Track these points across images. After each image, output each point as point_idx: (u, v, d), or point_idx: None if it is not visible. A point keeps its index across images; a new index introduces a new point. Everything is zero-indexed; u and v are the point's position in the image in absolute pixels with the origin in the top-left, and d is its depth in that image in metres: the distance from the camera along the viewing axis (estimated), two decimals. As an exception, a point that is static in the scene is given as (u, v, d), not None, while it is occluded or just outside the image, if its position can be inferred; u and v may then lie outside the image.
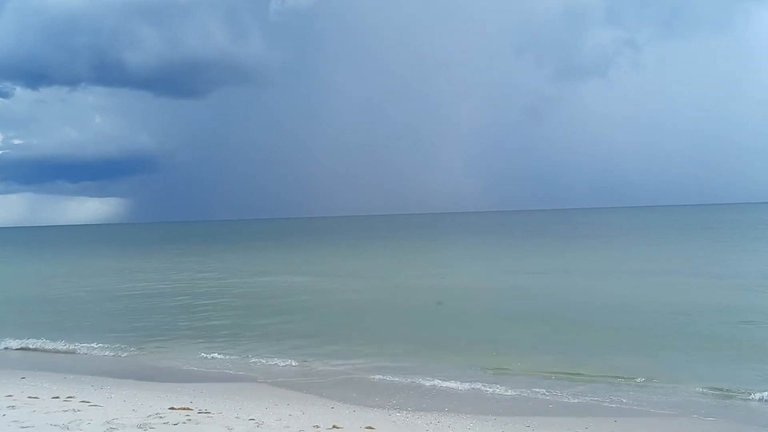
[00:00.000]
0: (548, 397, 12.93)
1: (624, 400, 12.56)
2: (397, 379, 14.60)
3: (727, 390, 12.79)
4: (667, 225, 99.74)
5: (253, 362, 16.72)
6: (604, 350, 16.70)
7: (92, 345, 19.46)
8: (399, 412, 11.90)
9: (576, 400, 12.69)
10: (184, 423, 10.17)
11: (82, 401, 11.91)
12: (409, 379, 14.50)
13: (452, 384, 14.01)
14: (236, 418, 10.90)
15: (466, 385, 13.84)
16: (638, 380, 13.67)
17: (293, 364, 16.33)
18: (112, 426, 9.77)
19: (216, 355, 17.63)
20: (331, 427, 10.38)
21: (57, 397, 12.27)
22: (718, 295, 25.05)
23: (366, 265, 45.76)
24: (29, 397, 12.18)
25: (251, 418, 10.92)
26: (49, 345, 19.68)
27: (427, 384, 14.15)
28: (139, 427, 9.77)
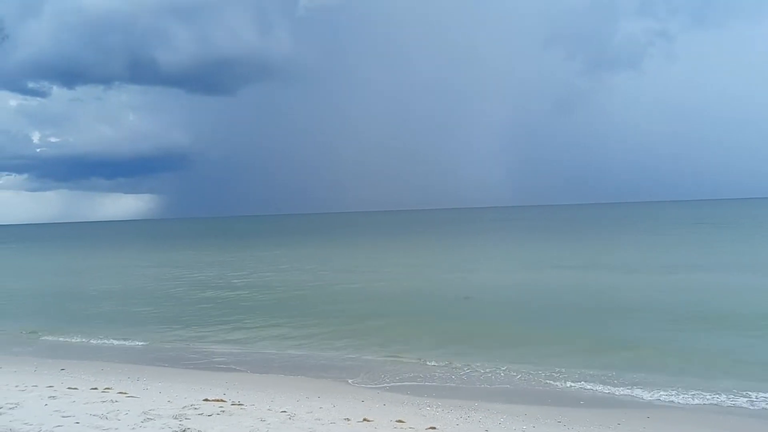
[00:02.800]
0: (579, 392, 12.86)
1: (656, 395, 12.42)
2: (428, 373, 14.65)
3: (759, 387, 12.55)
4: (705, 221, 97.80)
5: (285, 354, 16.93)
6: (634, 344, 16.49)
7: (128, 337, 19.93)
8: (429, 406, 11.94)
9: (607, 395, 12.60)
10: (218, 414, 10.36)
11: (120, 392, 12.21)
12: (439, 373, 14.55)
13: (482, 378, 14.05)
14: (268, 410, 11.05)
15: (496, 379, 13.86)
16: (670, 375, 13.49)
17: (324, 357, 16.50)
18: (148, 416, 10.00)
19: (249, 347, 17.94)
20: (361, 420, 10.47)
21: (95, 388, 12.60)
22: (756, 291, 24.52)
23: (395, 260, 45.81)
24: (69, 388, 12.54)
25: (283, 410, 11.06)
26: (87, 337, 20.23)
27: (458, 378, 14.19)
28: (175, 417, 9.98)
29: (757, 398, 12.01)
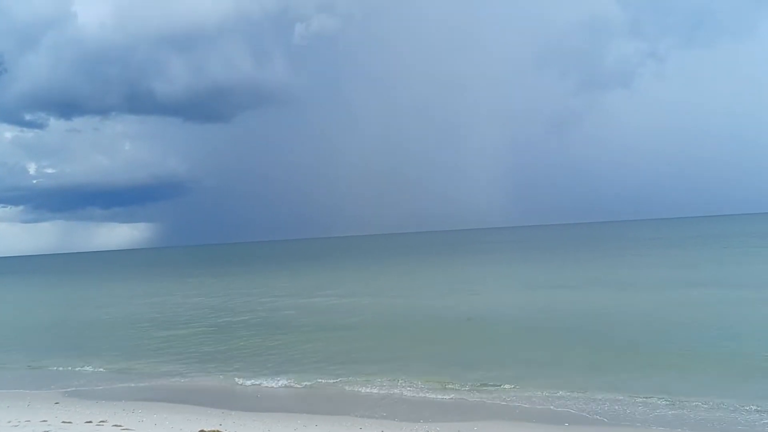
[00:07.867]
0: (583, 409, 12.70)
1: (656, 418, 12.29)
2: (426, 397, 14.51)
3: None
4: (698, 237, 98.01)
5: (281, 383, 16.73)
6: (632, 367, 16.31)
7: (123, 369, 19.74)
8: (427, 431, 11.80)
9: (604, 417, 12.45)
10: (213, 445, 10.23)
11: (115, 425, 12.07)
12: (438, 397, 14.40)
13: (479, 400, 13.90)
14: (265, 439, 10.92)
15: (493, 402, 13.72)
16: (667, 398, 13.28)
17: (320, 384, 16.31)
18: (142, 449, 9.87)
19: (245, 376, 17.72)
20: (358, 447, 10.33)
21: (90, 422, 12.45)
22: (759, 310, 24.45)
23: (395, 283, 45.66)
24: (63, 422, 12.39)
25: (279, 439, 10.93)
26: (82, 369, 20.01)
27: (457, 401, 14.03)
28: (170, 449, 9.85)
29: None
